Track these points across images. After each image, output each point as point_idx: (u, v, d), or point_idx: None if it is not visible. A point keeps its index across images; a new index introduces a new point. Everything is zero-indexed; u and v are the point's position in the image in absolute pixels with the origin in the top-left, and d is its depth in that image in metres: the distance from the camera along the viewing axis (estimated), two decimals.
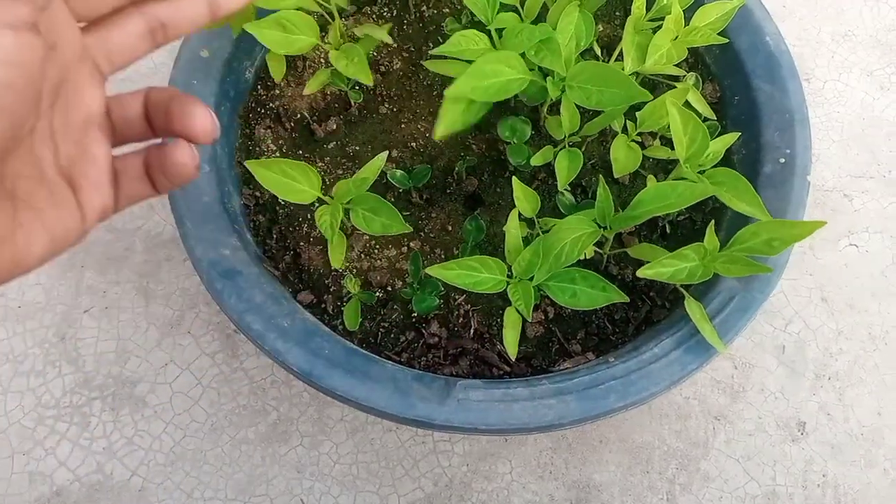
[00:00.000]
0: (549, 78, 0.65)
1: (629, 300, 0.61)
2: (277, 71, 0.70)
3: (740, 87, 0.76)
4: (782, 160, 0.71)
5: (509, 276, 0.62)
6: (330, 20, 0.72)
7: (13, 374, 0.81)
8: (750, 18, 0.76)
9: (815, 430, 0.82)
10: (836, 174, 0.96)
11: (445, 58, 0.67)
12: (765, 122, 0.73)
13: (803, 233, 0.58)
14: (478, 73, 0.61)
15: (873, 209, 0.94)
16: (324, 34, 0.72)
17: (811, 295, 0.89)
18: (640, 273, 0.57)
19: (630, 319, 0.71)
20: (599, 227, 0.62)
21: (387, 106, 0.79)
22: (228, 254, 0.65)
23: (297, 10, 0.66)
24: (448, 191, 0.76)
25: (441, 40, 0.82)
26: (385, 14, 0.83)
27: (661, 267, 0.57)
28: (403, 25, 0.82)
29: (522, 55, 0.64)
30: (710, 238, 0.59)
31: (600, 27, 0.83)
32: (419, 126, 0.78)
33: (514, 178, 0.66)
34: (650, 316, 0.71)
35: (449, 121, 0.60)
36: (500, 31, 0.65)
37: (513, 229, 0.64)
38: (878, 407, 0.84)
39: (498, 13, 0.66)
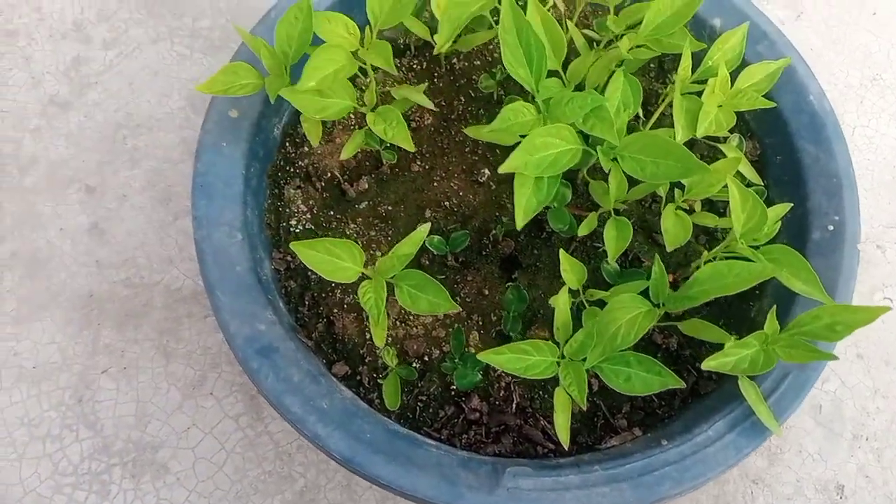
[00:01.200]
0: (599, 147, 0.63)
1: (684, 385, 0.58)
2: (314, 135, 0.67)
3: (783, 147, 0.74)
4: (831, 227, 0.69)
5: (560, 356, 0.60)
6: (362, 76, 0.70)
7: (29, 439, 0.77)
8: (793, 76, 0.75)
9: (853, 494, 0.81)
10: (868, 224, 0.94)
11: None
12: (811, 185, 0.71)
13: (868, 319, 0.56)
14: (529, 148, 0.59)
15: None
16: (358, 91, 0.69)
17: (847, 352, 0.87)
18: (705, 366, 0.55)
19: (676, 392, 0.69)
20: (653, 304, 0.60)
21: (419, 163, 0.76)
22: (264, 329, 0.63)
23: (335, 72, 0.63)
24: (484, 253, 0.74)
25: (472, 94, 0.79)
26: (415, 66, 0.80)
27: (725, 357, 0.55)
28: (434, 79, 0.80)
29: (571, 124, 0.62)
30: (771, 324, 0.57)
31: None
32: (452, 184, 0.76)
33: (561, 251, 0.64)
34: (696, 388, 0.69)
35: (524, 207, 0.58)
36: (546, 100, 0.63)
37: (562, 305, 0.62)
38: None
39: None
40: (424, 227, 0.63)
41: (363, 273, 0.61)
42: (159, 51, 0.98)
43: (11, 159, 0.90)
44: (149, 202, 0.89)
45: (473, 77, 0.80)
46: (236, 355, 0.61)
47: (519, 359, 0.58)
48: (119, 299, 0.84)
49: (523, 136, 0.59)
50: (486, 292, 0.72)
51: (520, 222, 0.60)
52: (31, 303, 0.83)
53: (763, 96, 0.69)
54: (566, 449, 0.65)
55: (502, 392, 0.68)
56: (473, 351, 0.69)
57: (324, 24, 0.64)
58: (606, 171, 0.64)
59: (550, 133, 0.61)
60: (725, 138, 0.75)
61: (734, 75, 0.69)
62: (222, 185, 0.67)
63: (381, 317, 0.60)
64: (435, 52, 0.66)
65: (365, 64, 0.66)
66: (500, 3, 0.67)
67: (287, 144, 0.76)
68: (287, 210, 0.73)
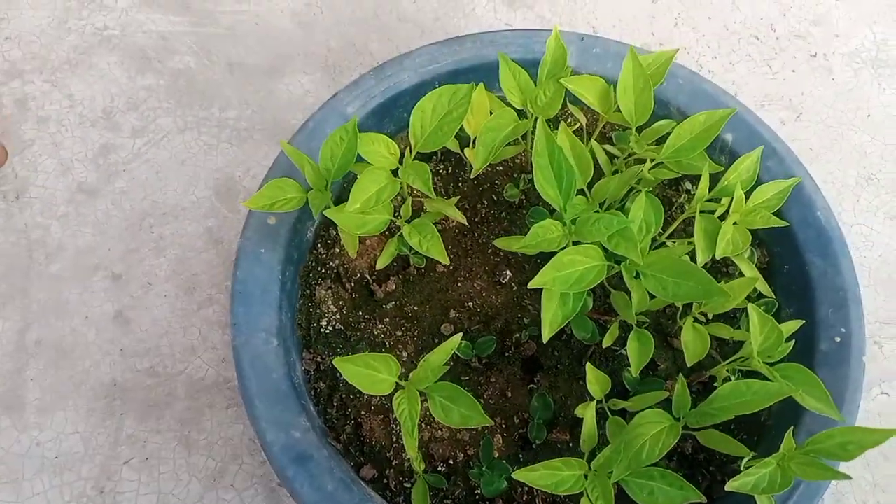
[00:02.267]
0: (623, 264, 0.66)
1: (705, 500, 0.61)
2: (352, 247, 0.70)
3: (790, 257, 0.78)
4: (838, 339, 0.73)
5: (588, 468, 0.62)
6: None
7: None
8: (801, 191, 0.79)
9: None
10: (865, 321, 0.98)
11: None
12: (819, 298, 0.75)
13: (878, 440, 0.59)
14: (557, 265, 0.63)
15: None
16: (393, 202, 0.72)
17: None
18: (730, 487, 0.58)
19: None
20: (675, 419, 0.63)
21: (443, 265, 0.79)
22: (299, 436, 0.65)
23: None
24: (506, 354, 0.76)
25: (495, 199, 0.83)
26: (441, 171, 0.84)
27: (746, 478, 0.58)
28: (458, 182, 0.83)
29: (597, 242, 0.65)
30: (788, 442, 0.60)
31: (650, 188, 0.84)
32: (475, 285, 0.79)
33: (588, 364, 0.67)
34: (710, 492, 0.71)
35: (550, 320, 0.61)
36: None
37: (588, 419, 0.65)
38: None
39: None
40: (456, 338, 0.66)
41: (397, 383, 0.64)
42: (186, 140, 1.01)
43: (39, 245, 0.92)
44: (173, 290, 0.91)
45: (496, 182, 0.84)
46: (272, 464, 0.63)
47: (551, 475, 0.60)
48: (142, 388, 0.85)
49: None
50: (509, 394, 0.75)
51: (546, 335, 0.63)
52: (54, 392, 0.85)
53: (774, 212, 0.73)
54: None
55: (525, 497, 0.70)
56: (497, 454, 0.72)
57: (368, 145, 0.68)
58: (629, 288, 0.67)
59: (578, 252, 0.64)
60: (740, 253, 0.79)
61: (747, 194, 0.73)
62: (260, 292, 0.70)
63: (414, 429, 0.62)
64: (472, 175, 0.70)
65: (403, 183, 0.69)
66: (533, 127, 0.71)
67: (319, 246, 0.79)
68: (318, 311, 0.76)
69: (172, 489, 0.81)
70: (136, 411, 0.84)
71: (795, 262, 0.78)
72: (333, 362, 0.60)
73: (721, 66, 1.13)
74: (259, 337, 0.68)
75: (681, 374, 0.63)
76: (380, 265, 0.71)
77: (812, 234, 0.77)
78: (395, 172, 0.68)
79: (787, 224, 0.72)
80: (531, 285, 0.62)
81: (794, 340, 0.67)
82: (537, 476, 0.59)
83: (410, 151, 0.69)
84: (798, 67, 1.14)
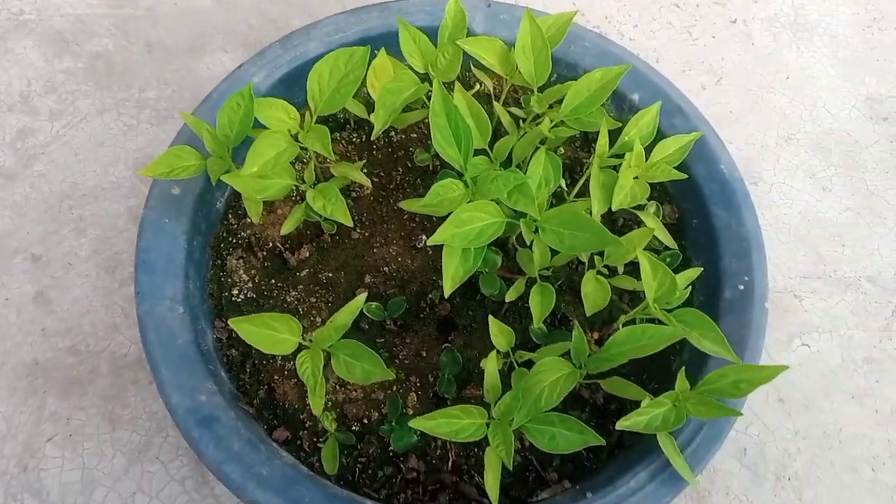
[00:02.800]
0: (522, 220, 0.67)
1: (604, 441, 0.62)
2: (255, 213, 0.70)
3: (698, 212, 0.80)
4: (741, 287, 0.75)
5: (489, 417, 0.63)
6: (303, 152, 0.73)
7: None
8: (705, 147, 0.80)
9: None
10: (785, 275, 1.00)
11: None
12: (723, 248, 0.77)
13: (768, 376, 0.61)
14: (456, 222, 0.64)
15: (822, 308, 0.98)
16: (297, 167, 0.73)
17: (768, 396, 0.92)
18: (619, 426, 0.59)
19: (603, 446, 0.72)
20: (575, 366, 0.64)
21: (359, 231, 0.80)
22: (205, 399, 0.65)
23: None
24: (421, 315, 0.77)
25: (409, 165, 0.84)
26: (354, 139, 0.84)
27: (638, 417, 0.60)
28: (373, 150, 0.84)
29: (497, 199, 0.66)
30: (682, 382, 0.62)
31: (561, 150, 0.86)
32: (391, 250, 0.80)
33: (490, 317, 0.68)
34: (622, 440, 0.73)
35: (451, 275, 0.62)
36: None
37: (490, 369, 0.66)
38: None
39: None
40: (361, 297, 0.67)
41: (301, 343, 0.64)
42: (106, 121, 1.00)
43: None
44: (94, 270, 0.90)
45: (410, 149, 0.85)
46: (178, 426, 0.64)
47: (449, 423, 0.61)
48: (65, 367, 0.85)
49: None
50: (424, 354, 0.76)
51: (448, 290, 0.64)
52: None
53: (678, 167, 0.75)
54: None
55: (439, 451, 0.71)
56: (412, 412, 0.72)
57: (265, 110, 0.68)
58: (529, 243, 0.68)
59: (476, 208, 0.65)
60: (645, 206, 0.80)
61: (651, 148, 0.75)
62: (164, 261, 0.70)
63: (318, 386, 0.62)
64: (372, 137, 0.70)
65: (305, 146, 0.69)
66: (429, 91, 0.72)
67: (230, 216, 0.79)
68: (229, 280, 0.76)
69: (97, 464, 0.81)
70: (59, 389, 0.84)
71: (702, 216, 0.79)
72: (229, 322, 0.60)
73: (642, 33, 1.15)
74: (164, 305, 0.68)
75: (576, 322, 0.65)
76: (285, 230, 0.72)
77: (716, 188, 0.79)
78: (297, 138, 0.69)
79: (686, 176, 0.73)
80: (430, 241, 0.63)
81: (690, 288, 0.68)
82: (435, 424, 0.60)
83: (311, 116, 0.70)
84: (718, 33, 1.16)
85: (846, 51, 1.17)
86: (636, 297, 0.80)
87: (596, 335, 0.77)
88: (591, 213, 0.70)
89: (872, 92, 1.14)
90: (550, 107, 0.76)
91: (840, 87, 1.14)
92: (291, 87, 0.80)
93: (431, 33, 0.73)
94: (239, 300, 0.75)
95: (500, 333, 0.68)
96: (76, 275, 0.90)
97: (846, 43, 1.17)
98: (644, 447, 0.69)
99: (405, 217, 0.81)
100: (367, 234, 0.80)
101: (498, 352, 0.68)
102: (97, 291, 0.89)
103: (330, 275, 0.78)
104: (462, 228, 0.64)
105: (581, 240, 0.64)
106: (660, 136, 0.75)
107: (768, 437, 0.91)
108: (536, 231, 0.67)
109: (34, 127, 0.99)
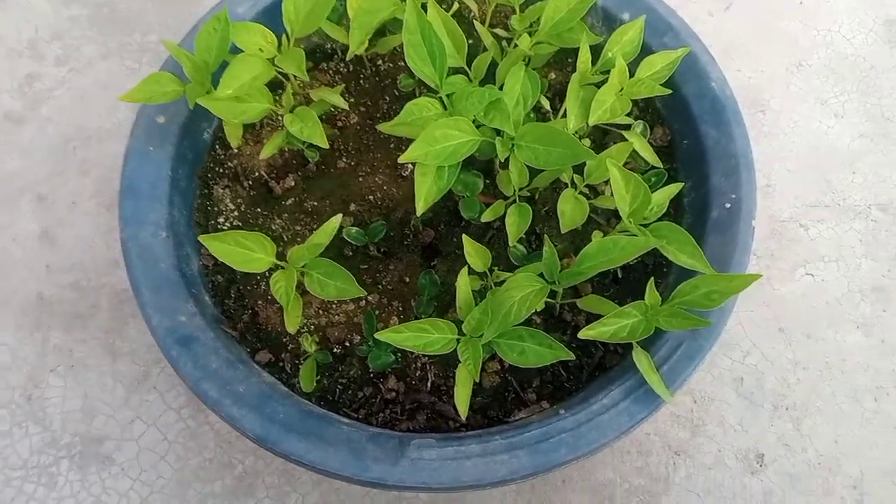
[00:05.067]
0: (498, 138, 0.67)
1: (574, 357, 0.62)
2: (234, 137, 0.71)
3: (688, 132, 0.78)
4: (728, 205, 0.73)
5: (461, 334, 0.64)
6: (284, 80, 0.74)
7: None
8: (695, 64, 0.78)
9: (773, 462, 0.84)
10: (791, 204, 0.98)
11: None
12: (712, 166, 0.75)
13: (740, 286, 0.60)
14: (429, 139, 0.63)
15: (829, 237, 0.96)
16: (278, 94, 0.73)
17: (768, 326, 0.91)
18: (582, 334, 0.59)
19: (584, 366, 0.72)
20: (548, 282, 0.64)
21: (344, 160, 0.80)
22: (185, 320, 0.67)
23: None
24: (405, 242, 0.77)
25: (397, 94, 0.83)
26: (342, 70, 0.84)
27: (603, 326, 0.59)
28: (360, 80, 0.84)
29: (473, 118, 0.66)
30: (651, 294, 0.61)
31: (553, 75, 0.84)
32: (377, 179, 0.80)
33: (464, 235, 0.68)
34: (603, 362, 0.73)
35: (424, 194, 0.62)
36: (450, 95, 0.67)
37: (463, 286, 0.66)
38: (835, 435, 0.86)
39: (447, 76, 0.67)
40: (337, 218, 0.67)
41: (276, 263, 0.65)
42: (109, 66, 1.02)
43: None
44: (96, 209, 0.93)
45: (397, 77, 0.84)
46: (158, 345, 0.65)
47: (417, 336, 0.61)
48: (67, 302, 0.88)
49: None
50: (407, 280, 0.76)
51: (420, 208, 0.64)
52: None
53: (666, 85, 0.73)
54: (475, 420, 0.69)
55: (418, 372, 0.71)
56: None
57: (242, 34, 0.68)
58: (503, 161, 0.68)
59: (449, 125, 0.65)
60: (632, 125, 0.78)
61: (637, 65, 0.73)
62: (148, 187, 0.71)
63: (290, 304, 0.63)
64: (347, 56, 0.70)
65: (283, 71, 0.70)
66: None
67: (217, 147, 0.80)
68: (216, 209, 0.77)
69: (98, 394, 0.84)
70: (62, 323, 0.87)
71: (692, 135, 0.77)
72: (199, 239, 0.61)
73: None
74: (147, 230, 0.70)
75: (546, 236, 0.64)
76: (264, 154, 0.72)
77: (707, 106, 0.77)
78: (274, 62, 0.69)
79: (670, 92, 0.71)
80: (402, 159, 0.63)
81: (667, 202, 0.67)
82: (403, 338, 0.61)
83: (288, 40, 0.70)
84: None
85: None
86: (617, 219, 0.78)
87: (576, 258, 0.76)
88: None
89: (892, 14, 1.09)
90: (531, 26, 0.75)
91: (857, 10, 1.09)
92: (275, 16, 0.80)
93: None
94: (225, 228, 0.76)
95: (474, 253, 0.68)
96: (80, 213, 0.93)
97: None
98: (623, 368, 0.69)
99: (391, 146, 0.81)
100: (353, 163, 0.80)
101: (473, 271, 0.68)
102: (99, 229, 0.92)
103: (315, 203, 0.78)
104: (435, 147, 0.64)
105: (555, 155, 0.64)
106: (646, 52, 0.73)
107: (766, 366, 0.89)
108: (513, 149, 0.67)
109: (41, 72, 1.02)
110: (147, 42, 1.04)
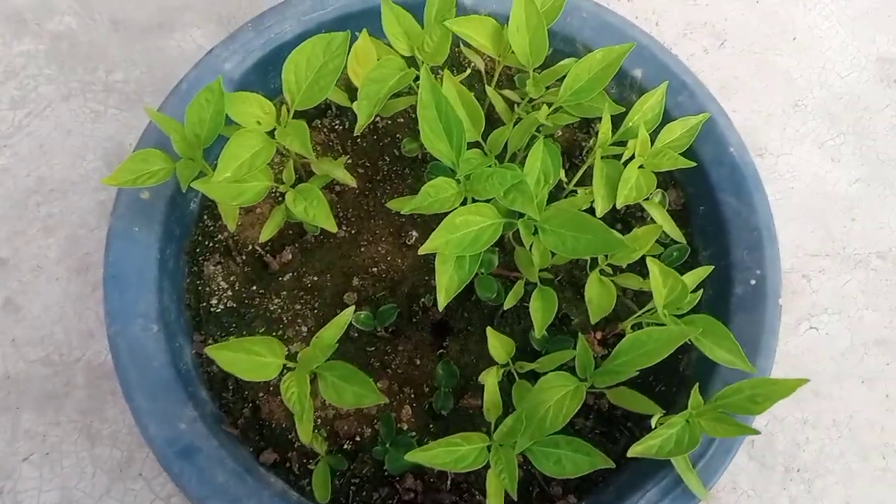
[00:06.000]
0: (520, 221, 0.62)
1: (613, 465, 0.58)
2: (231, 218, 0.65)
3: (705, 197, 0.75)
4: (753, 281, 0.70)
5: (490, 439, 0.59)
6: (283, 151, 0.68)
7: None
8: (713, 128, 0.75)
9: None
10: (793, 254, 0.96)
11: None
12: (733, 239, 0.72)
13: (786, 392, 0.57)
14: (450, 227, 0.59)
15: (830, 288, 0.94)
16: (275, 164, 0.67)
17: None
18: (632, 452, 0.55)
19: (609, 453, 0.69)
20: (580, 379, 0.60)
21: (344, 228, 0.75)
22: (185, 427, 0.61)
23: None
24: (414, 320, 0.73)
25: (396, 153, 0.78)
26: (336, 127, 0.78)
27: (651, 441, 0.55)
28: (357, 138, 0.78)
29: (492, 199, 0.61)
30: (695, 400, 0.58)
31: (559, 132, 0.80)
32: (379, 248, 0.74)
33: (489, 328, 0.63)
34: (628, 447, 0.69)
35: (445, 285, 0.58)
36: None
37: (490, 385, 0.61)
38: (846, 496, 0.85)
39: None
40: (348, 311, 0.62)
41: (286, 365, 0.60)
42: (71, 108, 0.93)
43: None
44: (65, 273, 0.85)
45: (397, 135, 0.79)
46: (158, 459, 0.59)
47: (449, 452, 0.57)
48: (38, 379, 0.80)
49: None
50: (418, 362, 0.71)
51: (442, 301, 0.59)
52: None
53: (685, 151, 0.69)
54: None
55: (437, 470, 0.67)
56: (406, 427, 0.68)
57: (237, 105, 0.62)
58: (528, 246, 0.63)
59: (470, 211, 0.60)
60: (651, 195, 0.75)
61: (656, 132, 0.69)
62: (135, 275, 0.65)
63: (304, 413, 0.58)
64: (356, 132, 0.64)
65: (283, 146, 0.64)
66: (416, 77, 0.66)
67: (205, 218, 0.73)
68: (207, 289, 0.71)
69: (77, 483, 0.77)
70: (33, 404, 0.80)
71: (710, 202, 0.74)
72: (206, 351, 0.55)
73: None
74: (137, 324, 0.63)
75: (580, 334, 0.60)
76: (264, 237, 0.66)
77: (725, 173, 0.74)
78: (272, 134, 0.63)
79: (694, 164, 0.68)
80: (422, 251, 0.58)
81: (701, 290, 0.63)
82: (433, 455, 0.56)
83: (288, 111, 0.64)
84: None
85: (855, 8, 1.10)
86: (642, 294, 0.75)
87: (599, 335, 0.73)
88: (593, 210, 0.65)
89: (883, 52, 1.08)
90: (547, 88, 0.70)
91: (849, 47, 1.08)
92: (267, 73, 0.74)
93: (417, 9, 0.67)
94: (218, 310, 0.70)
95: (499, 345, 0.64)
96: (46, 279, 0.85)
97: None
98: (653, 459, 0.66)
99: (393, 211, 0.76)
100: (353, 231, 0.75)
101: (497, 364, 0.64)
102: (69, 297, 0.84)
103: (315, 278, 0.73)
104: (456, 234, 0.59)
105: (584, 242, 0.59)
106: (665, 116, 0.70)
107: (776, 426, 0.87)
108: (535, 232, 0.62)
109: None
110: (112, 81, 0.96)
